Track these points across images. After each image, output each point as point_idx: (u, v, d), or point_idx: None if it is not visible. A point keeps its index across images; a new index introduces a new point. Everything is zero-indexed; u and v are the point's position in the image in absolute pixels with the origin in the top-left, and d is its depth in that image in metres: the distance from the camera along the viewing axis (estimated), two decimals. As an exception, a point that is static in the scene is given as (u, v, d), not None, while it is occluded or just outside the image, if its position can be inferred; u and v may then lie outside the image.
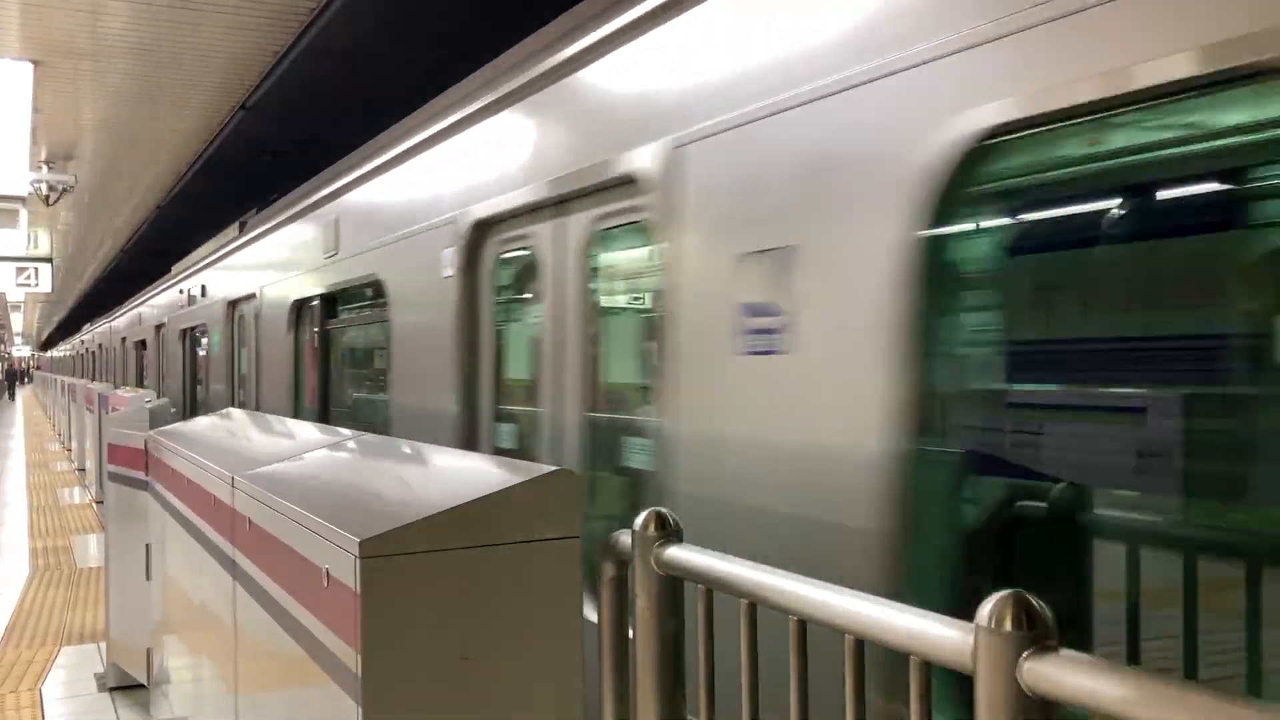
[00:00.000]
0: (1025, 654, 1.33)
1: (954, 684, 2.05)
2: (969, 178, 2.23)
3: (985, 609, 1.36)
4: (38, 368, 75.05)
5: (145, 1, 7.40)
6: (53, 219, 17.53)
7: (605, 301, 3.88)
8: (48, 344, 73.09)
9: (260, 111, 10.22)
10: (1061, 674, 1.29)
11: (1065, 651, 1.32)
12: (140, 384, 17.32)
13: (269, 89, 9.42)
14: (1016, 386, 2.46)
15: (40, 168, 12.60)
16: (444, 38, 8.22)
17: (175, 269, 14.18)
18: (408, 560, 2.18)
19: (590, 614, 3.08)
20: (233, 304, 9.81)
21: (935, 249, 2.29)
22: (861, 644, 1.64)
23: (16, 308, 42.45)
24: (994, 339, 2.52)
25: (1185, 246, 2.23)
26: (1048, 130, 2.07)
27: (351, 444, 3.42)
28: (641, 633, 2.18)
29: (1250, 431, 2.07)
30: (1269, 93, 1.82)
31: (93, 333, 29.19)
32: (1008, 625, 1.34)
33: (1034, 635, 1.33)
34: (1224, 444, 2.11)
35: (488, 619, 2.25)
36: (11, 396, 53.86)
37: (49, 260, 21.45)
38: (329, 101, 9.94)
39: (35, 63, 8.68)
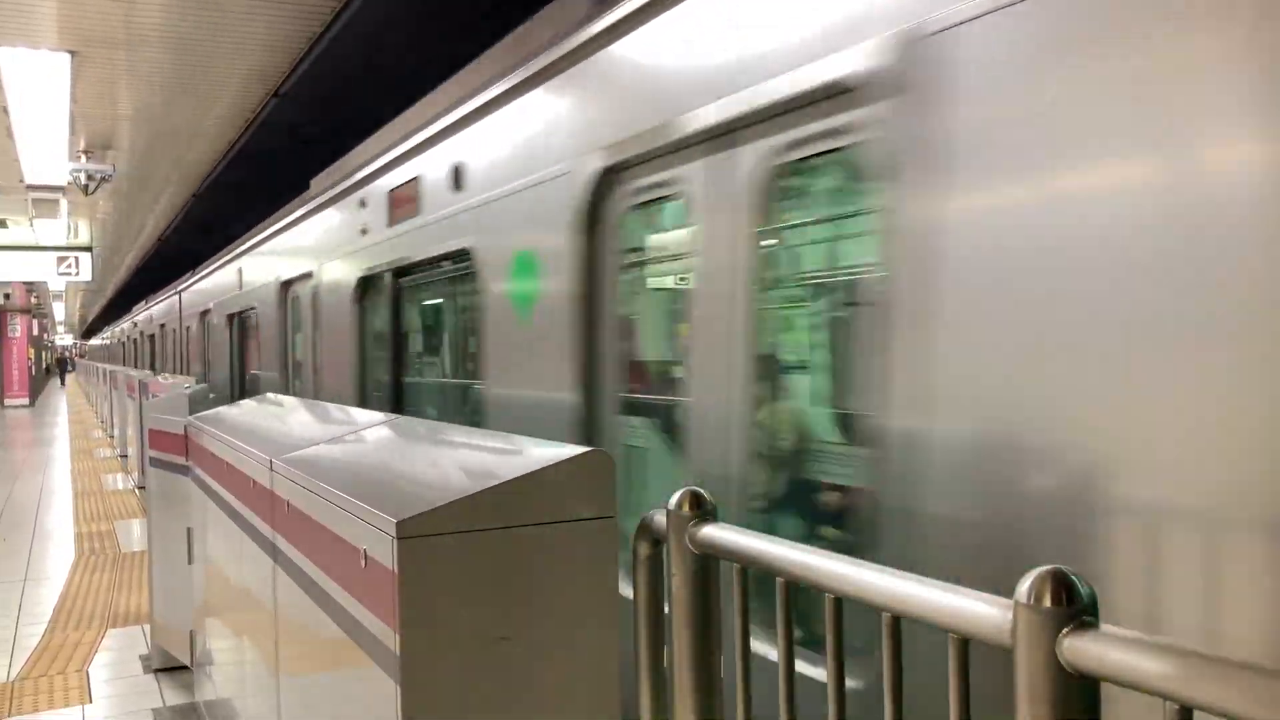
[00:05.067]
0: (1065, 630, 1.31)
1: None
2: None
3: (1024, 585, 1.34)
4: (80, 355, 76.19)
5: (179, -10, 7.46)
6: (91, 208, 17.73)
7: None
8: (88, 333, 74.17)
9: (294, 99, 10.28)
10: (1103, 650, 1.27)
11: (1106, 627, 1.30)
12: (183, 372, 17.25)
13: (302, 76, 9.47)
14: None
15: (79, 158, 12.74)
16: (475, 22, 8.21)
17: (223, 251, 13.62)
18: (445, 540, 2.19)
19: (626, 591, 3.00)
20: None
21: None
22: (898, 621, 1.63)
23: (58, 297, 43.07)
24: None
25: None
26: None
27: (388, 427, 3.44)
28: (677, 612, 2.19)
29: None
30: None
31: (132, 320, 29.32)
32: (1047, 601, 1.32)
33: (1073, 611, 1.32)
34: None
35: (525, 599, 2.27)
36: (62, 382, 59.71)
37: (89, 249, 21.82)
38: (361, 87, 9.97)
39: (72, 53, 8.78)
